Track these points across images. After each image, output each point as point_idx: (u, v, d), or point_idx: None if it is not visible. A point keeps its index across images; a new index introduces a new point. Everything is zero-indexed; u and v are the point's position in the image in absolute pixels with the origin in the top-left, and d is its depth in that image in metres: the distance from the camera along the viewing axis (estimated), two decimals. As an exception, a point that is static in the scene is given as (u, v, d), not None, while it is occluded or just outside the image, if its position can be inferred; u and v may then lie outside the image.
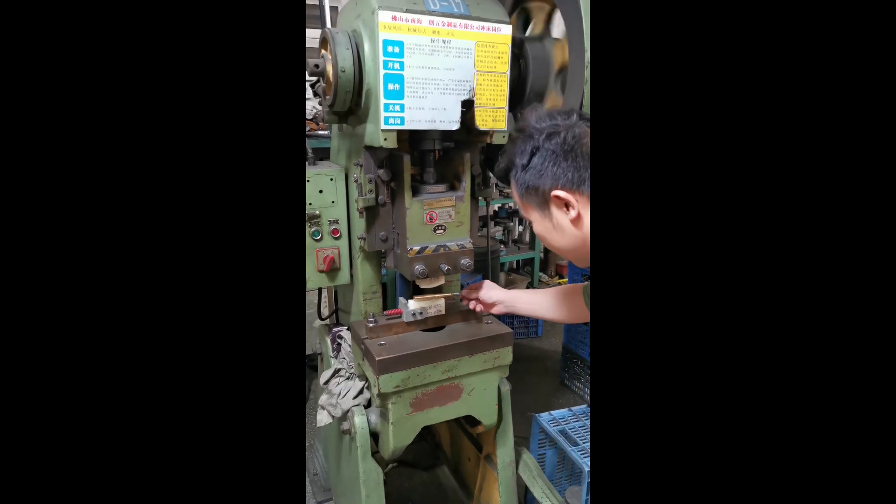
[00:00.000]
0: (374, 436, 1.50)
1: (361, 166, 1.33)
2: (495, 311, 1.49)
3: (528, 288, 4.28)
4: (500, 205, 4.38)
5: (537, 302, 1.52)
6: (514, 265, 4.75)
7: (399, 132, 1.20)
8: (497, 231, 4.40)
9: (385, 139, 1.19)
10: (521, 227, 4.63)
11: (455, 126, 1.25)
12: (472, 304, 1.51)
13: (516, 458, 1.68)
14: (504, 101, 1.29)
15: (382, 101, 1.15)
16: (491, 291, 1.49)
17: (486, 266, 2.79)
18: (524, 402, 2.83)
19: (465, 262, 1.40)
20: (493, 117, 1.29)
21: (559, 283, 4.62)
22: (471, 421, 1.56)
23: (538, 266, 4.51)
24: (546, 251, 4.73)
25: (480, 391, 1.47)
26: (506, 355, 1.47)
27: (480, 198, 1.50)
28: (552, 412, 2.01)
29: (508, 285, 4.13)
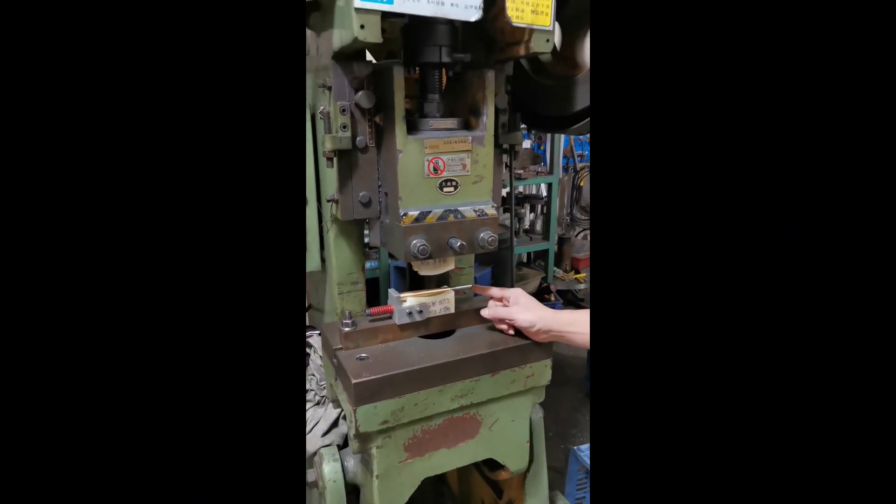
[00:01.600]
0: (355, 486, 1.05)
1: (330, 89, 0.87)
2: (537, 339, 1.01)
3: (542, 284, 3.82)
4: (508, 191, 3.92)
5: None
6: (526, 258, 4.31)
7: (385, 18, 0.74)
8: (505, 218, 3.93)
9: (362, 26, 0.73)
10: (532, 216, 4.17)
11: (475, 15, 0.80)
12: (503, 327, 1.04)
13: (551, 508, 1.26)
14: (550, -18, 0.84)
15: (356, -43, 0.70)
16: (526, 313, 1.00)
17: (503, 258, 2.29)
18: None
19: (487, 235, 0.95)
20: (533, 6, 0.83)
21: (576, 279, 4.17)
22: (491, 464, 1.12)
23: (552, 259, 4.07)
24: (560, 243, 4.28)
25: (506, 424, 1.08)
26: (542, 372, 1.06)
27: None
28: (593, 442, 1.55)
29: (519, 281, 3.67)
